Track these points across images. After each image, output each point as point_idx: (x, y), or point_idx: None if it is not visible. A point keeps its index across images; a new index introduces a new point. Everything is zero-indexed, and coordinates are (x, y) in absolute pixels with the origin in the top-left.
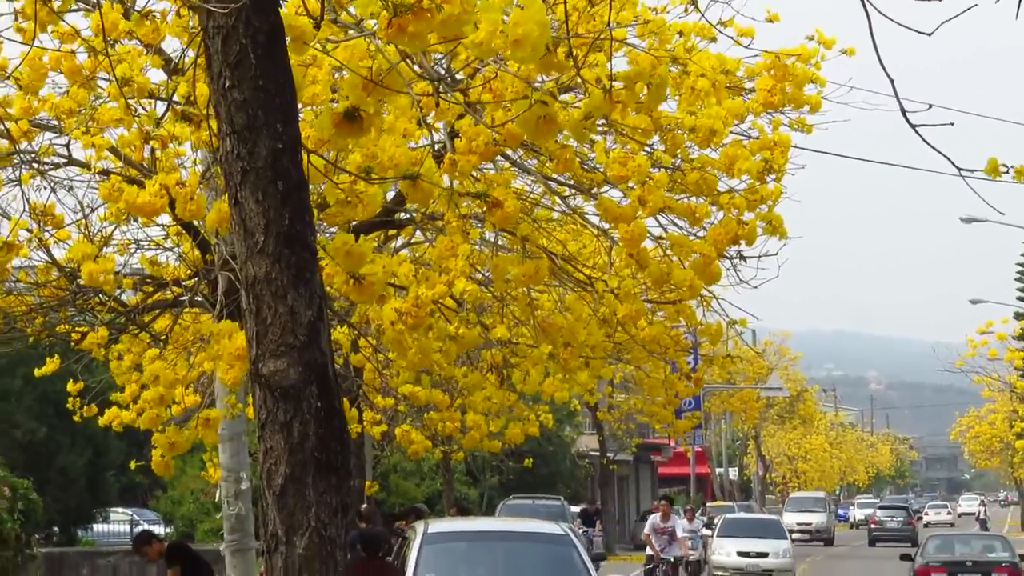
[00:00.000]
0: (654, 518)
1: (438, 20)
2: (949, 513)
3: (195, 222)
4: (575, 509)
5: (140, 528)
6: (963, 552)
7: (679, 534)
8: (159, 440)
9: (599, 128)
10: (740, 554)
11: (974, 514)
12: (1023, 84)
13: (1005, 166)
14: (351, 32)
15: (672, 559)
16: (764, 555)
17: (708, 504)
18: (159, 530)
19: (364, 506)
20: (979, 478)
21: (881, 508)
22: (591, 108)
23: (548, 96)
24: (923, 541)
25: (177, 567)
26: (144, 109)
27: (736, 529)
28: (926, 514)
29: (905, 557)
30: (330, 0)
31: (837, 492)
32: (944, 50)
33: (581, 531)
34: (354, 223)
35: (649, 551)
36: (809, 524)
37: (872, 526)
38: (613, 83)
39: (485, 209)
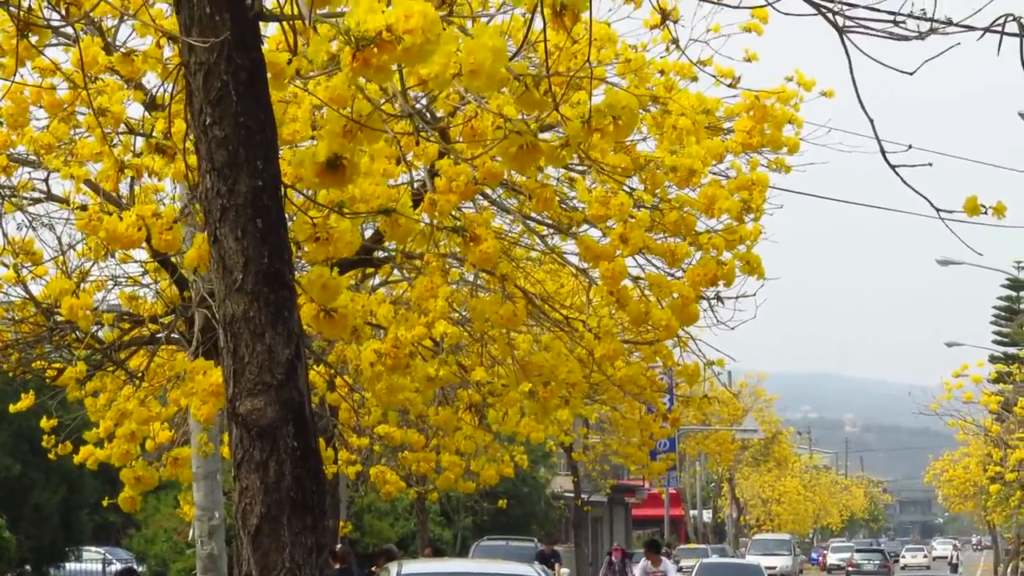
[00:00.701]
0: (645, 563)
1: (401, 49)
2: (926, 556)
3: (173, 258)
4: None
5: (115, 567)
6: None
7: None
8: (126, 475)
9: (579, 168)
10: None
11: (947, 558)
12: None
13: (984, 206)
14: (328, 67)
15: None
16: None
17: (681, 547)
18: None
19: (339, 546)
20: (953, 522)
21: (858, 551)
22: (569, 135)
23: (524, 126)
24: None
25: None
26: (120, 140)
27: (714, 575)
28: (903, 557)
29: None
30: (303, 36)
31: (811, 535)
32: (924, 91)
33: None
34: (332, 261)
35: None
36: (774, 568)
37: (849, 569)
38: (591, 114)
39: (464, 246)
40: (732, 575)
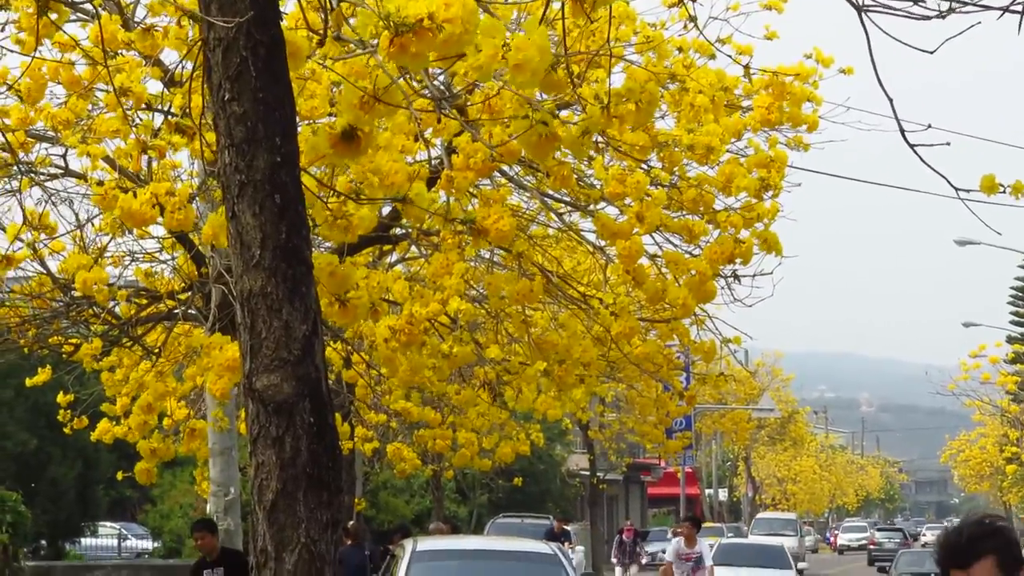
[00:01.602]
0: (678, 543)
1: (440, 40)
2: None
3: (191, 234)
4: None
5: (131, 543)
6: (930, 565)
7: (707, 562)
8: (142, 447)
9: (598, 145)
10: None
11: None
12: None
13: (1002, 185)
14: (353, 47)
15: None
16: None
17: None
18: (148, 544)
19: (351, 523)
20: (968, 502)
21: (879, 531)
22: (589, 124)
23: (548, 115)
24: (897, 556)
25: None
26: (141, 119)
27: (734, 557)
28: (924, 535)
29: (882, 570)
30: (332, 15)
31: (826, 515)
32: (944, 71)
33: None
34: (350, 242)
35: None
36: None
37: (871, 547)
38: (610, 99)
39: (473, 236)
40: (754, 556)
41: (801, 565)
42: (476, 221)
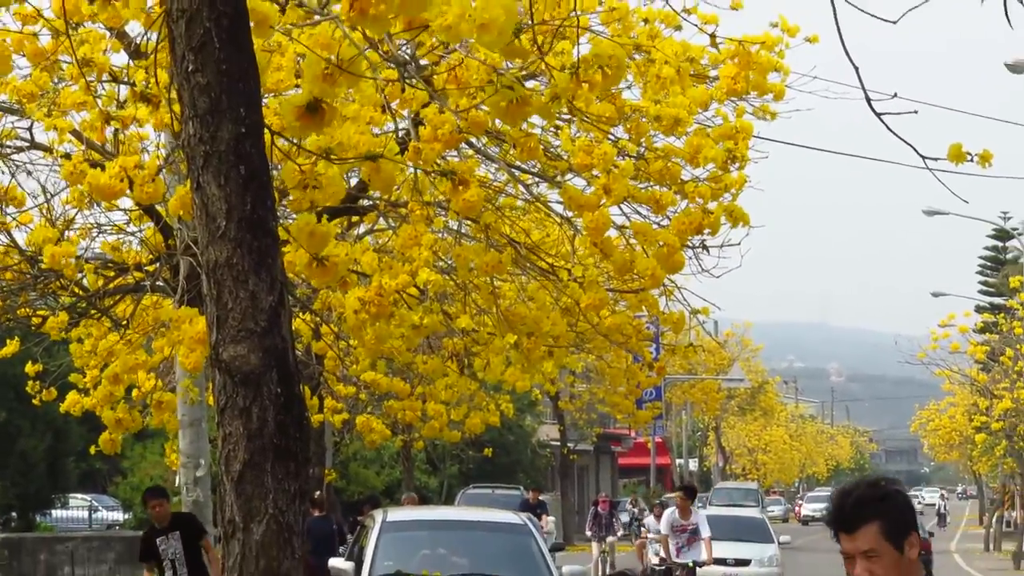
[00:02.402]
0: (672, 513)
1: (399, 1)
2: (919, 503)
3: (157, 206)
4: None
5: (102, 515)
6: None
7: (704, 533)
8: (107, 416)
9: (564, 116)
10: (716, 561)
11: (935, 506)
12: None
13: (969, 153)
14: (317, 17)
15: (691, 563)
16: (745, 563)
17: (667, 495)
18: (118, 516)
19: (318, 493)
20: (938, 471)
21: None
22: (558, 89)
23: (515, 82)
24: None
25: None
26: (105, 90)
27: (711, 529)
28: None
29: None
30: None
31: (796, 484)
32: (910, 41)
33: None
34: (317, 208)
35: (656, 550)
36: None
37: None
38: (579, 65)
39: (452, 191)
40: (733, 529)
41: (784, 538)
42: (455, 172)
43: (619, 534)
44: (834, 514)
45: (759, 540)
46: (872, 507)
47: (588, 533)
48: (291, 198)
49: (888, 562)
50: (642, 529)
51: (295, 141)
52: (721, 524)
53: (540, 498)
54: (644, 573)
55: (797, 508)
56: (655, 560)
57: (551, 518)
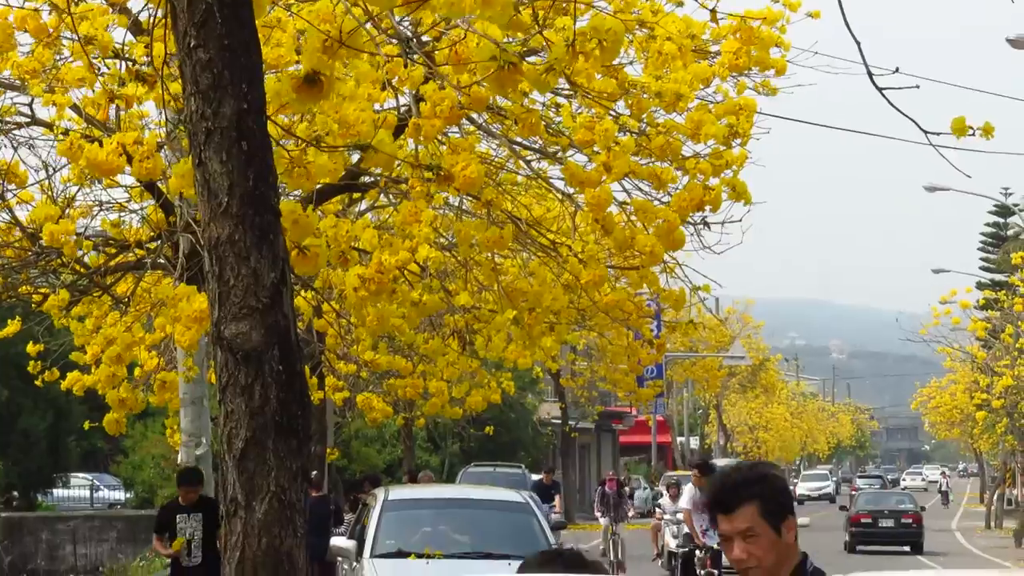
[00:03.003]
0: (692, 491)
1: None
2: (923, 480)
3: (158, 183)
4: (535, 478)
5: (103, 493)
6: (882, 503)
7: None
8: (111, 397)
9: (565, 92)
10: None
11: (937, 483)
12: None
13: (971, 127)
14: None
15: (716, 545)
16: None
17: (668, 473)
18: (120, 495)
19: (314, 473)
20: (939, 449)
21: (860, 477)
22: (554, 61)
23: (514, 56)
24: (855, 497)
25: None
26: (107, 68)
27: None
28: (903, 480)
29: (843, 507)
30: None
31: (797, 462)
32: (914, 21)
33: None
34: (318, 186)
35: (673, 532)
36: None
37: (852, 493)
38: (575, 37)
39: (438, 182)
40: None
41: (803, 520)
42: (444, 167)
43: (629, 515)
44: (714, 496)
45: None
46: (750, 488)
47: (597, 514)
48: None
49: (766, 543)
50: (657, 510)
51: (285, 128)
52: None
53: (555, 479)
54: (658, 555)
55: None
56: (672, 544)
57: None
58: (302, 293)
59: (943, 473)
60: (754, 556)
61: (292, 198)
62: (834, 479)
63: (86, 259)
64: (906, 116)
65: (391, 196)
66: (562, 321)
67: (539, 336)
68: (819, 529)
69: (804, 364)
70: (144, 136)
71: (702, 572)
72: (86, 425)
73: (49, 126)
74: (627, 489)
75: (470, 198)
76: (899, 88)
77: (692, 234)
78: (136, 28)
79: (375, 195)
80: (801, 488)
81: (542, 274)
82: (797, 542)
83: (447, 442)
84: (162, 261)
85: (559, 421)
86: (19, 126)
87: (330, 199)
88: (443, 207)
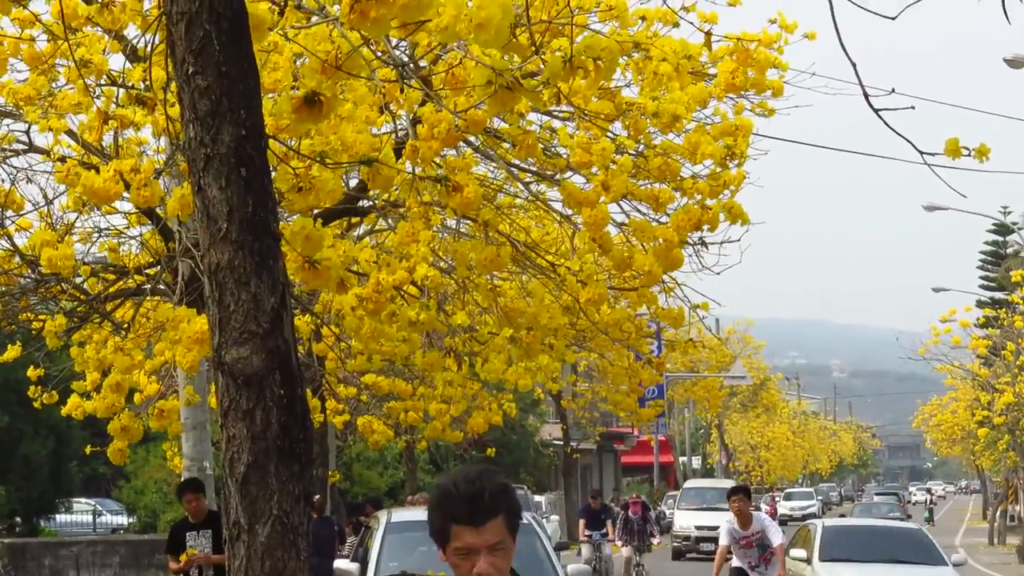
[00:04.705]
0: (730, 524)
1: (400, 4)
2: (930, 492)
3: (157, 209)
4: (538, 499)
5: (106, 519)
6: (875, 513)
7: (775, 539)
8: (113, 427)
9: (561, 114)
10: None
11: (924, 500)
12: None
13: (966, 148)
14: (315, 18)
15: None
16: None
17: (669, 493)
18: (122, 520)
19: (316, 497)
20: (941, 466)
21: (877, 494)
22: (549, 75)
23: (511, 81)
24: (852, 508)
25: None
26: (102, 91)
27: (849, 547)
28: (913, 495)
29: (841, 516)
30: None
31: (799, 481)
32: (909, 39)
33: (588, 534)
34: (316, 210)
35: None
36: (716, 528)
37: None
38: (572, 55)
39: (446, 195)
40: (880, 544)
41: (957, 557)
42: (450, 178)
43: (655, 541)
44: (464, 507)
45: (928, 562)
46: (496, 500)
47: (619, 543)
48: (288, 200)
49: (510, 556)
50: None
51: (290, 145)
52: (863, 539)
53: (606, 504)
54: None
55: (770, 507)
56: None
57: (555, 517)
58: (301, 316)
59: (928, 490)
60: (501, 571)
61: (289, 223)
62: (819, 499)
63: (86, 286)
64: (902, 137)
65: (389, 220)
66: (559, 340)
67: (536, 354)
68: None
69: (805, 383)
70: (142, 163)
71: None
72: (88, 450)
73: (46, 153)
74: (653, 513)
75: (468, 220)
76: (895, 109)
77: (690, 254)
78: (133, 55)
79: (373, 219)
80: (783, 507)
81: (540, 294)
82: None
83: (449, 464)
84: (162, 287)
85: (561, 442)
86: (16, 153)
87: (329, 223)
88: (440, 229)
